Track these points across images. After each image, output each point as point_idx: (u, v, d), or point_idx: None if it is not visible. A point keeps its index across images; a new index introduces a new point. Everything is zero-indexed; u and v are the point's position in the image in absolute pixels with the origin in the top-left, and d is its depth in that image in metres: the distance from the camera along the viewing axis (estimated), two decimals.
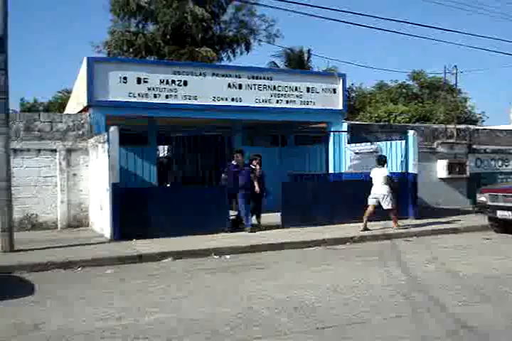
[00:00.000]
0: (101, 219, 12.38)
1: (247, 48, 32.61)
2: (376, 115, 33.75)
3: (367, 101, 37.42)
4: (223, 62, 31.78)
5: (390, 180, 12.77)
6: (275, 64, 35.85)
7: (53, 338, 5.52)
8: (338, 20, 23.54)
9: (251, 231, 12.33)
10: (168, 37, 30.25)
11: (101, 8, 57.53)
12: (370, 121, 30.71)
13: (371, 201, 12.81)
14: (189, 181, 15.50)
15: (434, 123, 29.40)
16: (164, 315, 6.26)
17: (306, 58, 36.57)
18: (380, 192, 12.72)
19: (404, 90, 40.16)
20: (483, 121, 39.20)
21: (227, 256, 10.12)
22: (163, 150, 26.20)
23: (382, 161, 13.03)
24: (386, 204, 12.69)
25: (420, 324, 5.79)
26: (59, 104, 35.95)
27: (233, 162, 12.92)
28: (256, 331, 5.60)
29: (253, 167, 12.93)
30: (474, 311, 6.26)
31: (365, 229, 12.52)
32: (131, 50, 30.74)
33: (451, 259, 9.56)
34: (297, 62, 36.03)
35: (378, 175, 12.81)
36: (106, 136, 11.60)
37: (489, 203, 12.63)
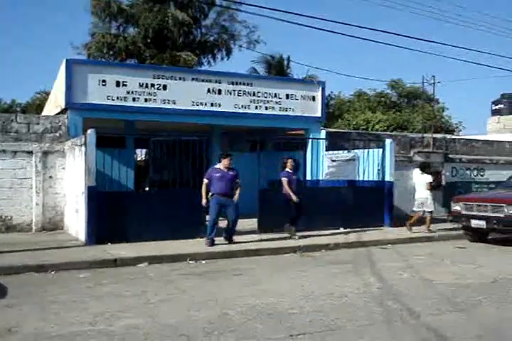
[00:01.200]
0: (76, 223, 12.29)
1: (228, 53, 32.64)
2: (354, 123, 34.03)
3: (345, 109, 37.68)
4: (204, 67, 31.82)
5: (431, 185, 13.93)
6: (255, 70, 35.92)
7: None
8: (318, 28, 23.71)
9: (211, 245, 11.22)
10: (148, 40, 30.18)
11: (82, 10, 57.11)
12: (349, 129, 30.92)
13: (418, 207, 13.96)
14: (166, 186, 15.43)
15: (411, 132, 29.70)
16: (138, 320, 6.23)
17: (286, 65, 36.72)
18: (423, 196, 13.83)
19: (382, 99, 40.52)
20: (459, 131, 39.69)
21: (203, 262, 10.10)
22: (140, 154, 26.10)
23: (424, 168, 14.32)
24: (428, 207, 13.79)
25: (393, 332, 5.83)
26: (37, 106, 35.62)
27: (218, 166, 11.92)
28: (230, 337, 5.60)
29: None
30: (447, 319, 6.33)
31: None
32: (111, 52, 30.59)
33: (425, 268, 9.65)
34: (277, 69, 36.15)
35: (421, 181, 14.01)
36: (83, 139, 11.53)
37: (463, 212, 12.78)
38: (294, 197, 12.20)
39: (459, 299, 7.32)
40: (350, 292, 7.65)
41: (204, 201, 11.49)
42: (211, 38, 32.68)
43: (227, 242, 11.58)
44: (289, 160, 12.64)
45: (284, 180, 12.43)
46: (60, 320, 6.21)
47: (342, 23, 15.03)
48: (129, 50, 29.99)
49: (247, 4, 16.31)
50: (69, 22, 77.25)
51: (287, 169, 12.59)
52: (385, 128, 32.91)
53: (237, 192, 11.60)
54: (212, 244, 11.21)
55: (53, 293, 7.64)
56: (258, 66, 36.52)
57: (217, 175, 11.49)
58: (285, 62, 36.86)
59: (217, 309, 6.70)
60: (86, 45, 30.69)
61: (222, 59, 32.78)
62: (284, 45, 78.18)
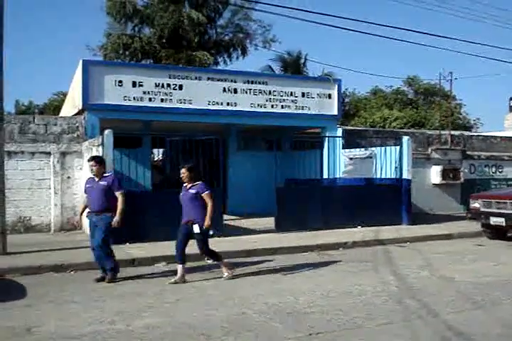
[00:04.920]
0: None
1: (243, 53, 32.63)
2: (371, 120, 33.87)
3: (361, 106, 37.52)
4: (219, 67, 31.86)
5: None
6: (271, 68, 35.91)
7: None
8: (333, 26, 23.69)
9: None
10: (164, 40, 30.28)
11: (98, 11, 57.48)
12: (365, 127, 30.80)
13: None
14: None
15: (428, 129, 29.52)
16: (157, 319, 6.25)
17: (302, 63, 36.65)
18: None
19: (399, 96, 40.30)
20: (477, 127, 39.39)
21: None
22: (158, 154, 26.20)
23: None
24: None
25: (412, 330, 5.78)
26: (54, 107, 35.89)
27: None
28: (248, 336, 5.59)
29: None
30: (467, 318, 6.27)
31: None
32: (127, 53, 30.71)
33: (444, 265, 9.57)
34: (293, 67, 36.11)
35: None
36: (100, 139, 11.59)
37: (482, 209, 12.66)
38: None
39: (479, 297, 7.25)
40: (369, 290, 7.61)
41: (76, 218, 10.18)
42: (226, 38, 32.71)
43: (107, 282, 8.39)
44: (183, 170, 8.62)
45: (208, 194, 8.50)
46: (79, 320, 6.24)
47: (358, 21, 15.03)
48: (145, 50, 30.10)
49: (262, 3, 16.22)
50: (85, 23, 77.67)
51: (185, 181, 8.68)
52: (402, 125, 32.74)
53: (119, 206, 8.49)
54: (98, 280, 8.45)
55: (72, 292, 7.68)
56: (274, 64, 36.52)
57: (88, 186, 8.76)
58: (301, 61, 36.83)
59: (235, 308, 6.70)
60: (102, 46, 30.88)
61: (237, 58, 32.82)
62: (299, 44, 78.19)
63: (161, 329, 5.86)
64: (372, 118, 33.87)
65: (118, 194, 8.55)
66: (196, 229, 8.35)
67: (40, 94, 78.84)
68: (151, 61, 30.11)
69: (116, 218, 8.46)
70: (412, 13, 77.75)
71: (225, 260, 8.85)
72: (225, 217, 15.49)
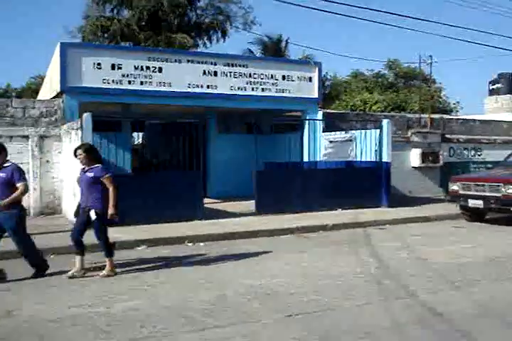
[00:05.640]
0: (74, 207, 12.25)
1: (224, 35, 32.48)
2: (352, 104, 33.93)
3: (342, 89, 37.55)
4: (199, 49, 31.64)
5: None
6: (251, 51, 35.76)
7: (26, 324, 5.51)
8: (314, 8, 23.55)
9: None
10: (143, 23, 29.99)
11: None
12: (346, 110, 30.86)
13: None
14: (162, 168, 15.43)
15: (408, 112, 29.64)
16: (137, 302, 6.27)
17: (283, 46, 36.53)
18: None
19: (379, 79, 40.38)
20: (457, 111, 39.63)
21: (201, 244, 10.14)
22: (137, 138, 26.06)
23: None
24: None
25: (390, 311, 5.86)
26: (32, 90, 35.45)
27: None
28: (228, 318, 5.63)
29: None
30: (443, 298, 6.36)
31: None
32: (105, 35, 30.43)
33: (422, 247, 9.68)
34: (274, 50, 35.98)
35: None
36: (79, 123, 11.48)
37: (461, 192, 12.80)
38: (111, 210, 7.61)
39: (455, 278, 7.35)
40: (348, 272, 7.68)
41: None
42: (206, 20, 32.46)
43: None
44: (78, 151, 7.79)
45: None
46: (59, 303, 6.23)
47: (339, 3, 14.92)
48: (124, 32, 29.81)
49: None
50: (64, 5, 76.51)
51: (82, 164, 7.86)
52: (383, 108, 32.86)
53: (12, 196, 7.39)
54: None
55: (53, 276, 7.66)
56: (254, 47, 36.36)
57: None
58: (282, 44, 36.70)
59: (215, 290, 6.73)
60: (80, 28, 30.52)
61: (217, 41, 32.65)
62: (280, 27, 77.78)
63: (140, 311, 5.88)
64: (352, 101, 33.93)
65: (19, 184, 7.52)
66: (93, 216, 7.52)
67: (18, 77, 77.69)
68: (131, 43, 29.85)
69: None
70: None
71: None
72: (206, 200, 15.50)
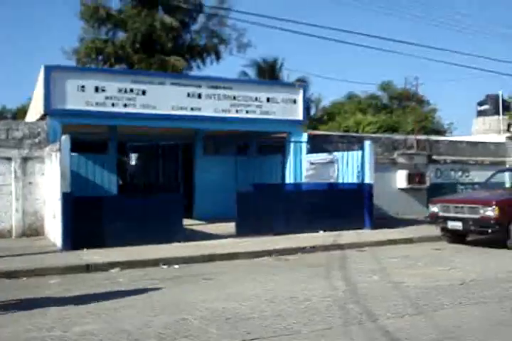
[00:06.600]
0: (54, 228, 12.29)
1: (218, 58, 32.71)
2: (345, 125, 34.07)
3: (336, 111, 37.75)
4: (193, 72, 31.90)
5: None
6: (246, 74, 36.04)
7: None
8: (307, 34, 23.69)
9: None
10: (137, 45, 30.23)
11: (74, 16, 57.23)
12: (339, 131, 30.95)
13: None
14: (149, 189, 15.45)
15: (402, 133, 29.72)
16: (96, 325, 6.24)
17: (278, 69, 36.81)
18: None
19: (373, 101, 40.59)
20: (450, 132, 39.77)
21: (176, 266, 10.12)
22: (133, 159, 26.08)
23: None
24: None
25: (348, 336, 5.83)
26: (25, 112, 35.62)
27: None
28: None
29: None
30: (405, 323, 6.32)
31: None
32: (100, 58, 30.69)
33: (397, 270, 9.65)
34: (268, 73, 36.25)
35: None
36: (58, 145, 11.54)
37: (440, 214, 12.80)
38: None
39: (423, 302, 7.32)
40: (315, 295, 7.64)
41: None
42: (200, 43, 32.71)
43: None
44: None
45: None
46: (19, 327, 6.22)
47: (332, 29, 15.11)
48: (118, 54, 30.08)
49: (235, 11, 16.29)
50: (62, 27, 77.26)
51: None
52: (376, 130, 32.96)
53: None
54: None
55: (19, 298, 7.64)
56: (249, 70, 36.61)
57: None
58: (277, 66, 36.98)
59: (177, 314, 6.70)
60: (75, 50, 30.76)
61: (211, 63, 32.88)
62: (275, 49, 78.34)
63: (96, 335, 5.85)
64: (346, 123, 34.07)
65: None
66: None
67: (15, 99, 78.22)
68: (124, 65, 30.06)
69: None
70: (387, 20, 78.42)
71: None
72: (190, 221, 15.58)
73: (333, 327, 6.14)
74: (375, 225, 14.54)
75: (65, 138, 11.30)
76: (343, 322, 6.36)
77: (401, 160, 18.26)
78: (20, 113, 38.46)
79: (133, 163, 25.27)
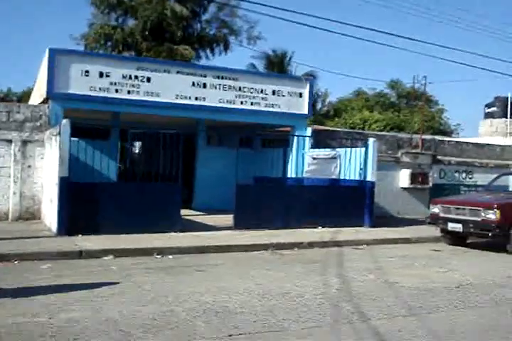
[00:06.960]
0: (50, 213, 12.19)
1: (226, 48, 32.50)
2: (351, 122, 33.87)
3: (343, 108, 37.53)
4: (202, 61, 31.70)
5: None
6: (254, 66, 35.81)
7: None
8: (318, 28, 23.40)
9: None
10: (147, 33, 30.05)
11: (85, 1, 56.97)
12: (346, 128, 30.76)
13: None
14: (145, 178, 15.32)
15: (408, 132, 29.53)
16: (82, 313, 6.13)
17: (287, 62, 36.59)
18: None
19: (381, 99, 40.33)
20: (457, 132, 39.53)
21: (170, 256, 9.99)
22: (137, 147, 25.95)
23: None
24: None
25: (337, 335, 5.71)
26: (29, 95, 35.54)
27: None
28: (167, 335, 5.49)
29: None
30: (396, 324, 6.19)
31: None
32: (108, 44, 30.54)
33: (393, 270, 9.52)
34: (278, 66, 36.03)
35: None
36: (58, 129, 11.42)
37: (441, 215, 12.64)
38: None
39: (417, 303, 7.19)
40: (308, 292, 7.52)
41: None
42: (210, 32, 32.52)
43: None
44: None
45: None
46: (4, 312, 6.11)
47: (344, 23, 14.97)
48: (127, 41, 29.92)
49: (247, 1, 16.07)
50: (71, 12, 76.99)
51: None
52: (382, 128, 32.76)
53: None
54: None
55: (8, 283, 7.54)
56: (258, 62, 36.39)
57: None
58: (286, 60, 36.75)
59: (165, 305, 6.59)
60: (83, 35, 30.62)
61: (220, 54, 32.67)
62: (285, 43, 78.05)
63: (81, 323, 5.74)
64: (352, 119, 33.86)
65: None
66: None
67: (22, 82, 78.18)
68: (133, 53, 29.90)
69: None
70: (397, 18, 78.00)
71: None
72: (189, 212, 15.48)
73: (322, 326, 6.03)
74: (375, 223, 14.39)
75: (65, 122, 11.17)
76: (334, 320, 6.24)
77: (405, 159, 18.07)
78: (26, 96, 38.37)
79: (136, 150, 25.21)
